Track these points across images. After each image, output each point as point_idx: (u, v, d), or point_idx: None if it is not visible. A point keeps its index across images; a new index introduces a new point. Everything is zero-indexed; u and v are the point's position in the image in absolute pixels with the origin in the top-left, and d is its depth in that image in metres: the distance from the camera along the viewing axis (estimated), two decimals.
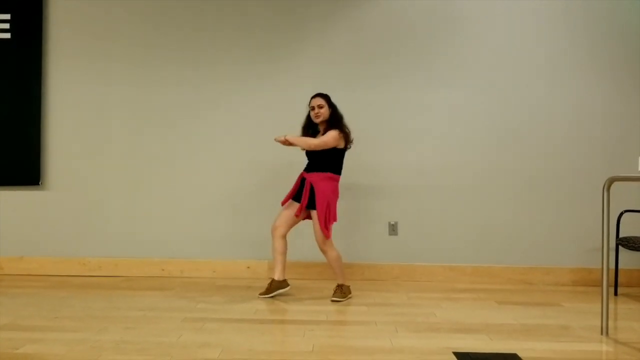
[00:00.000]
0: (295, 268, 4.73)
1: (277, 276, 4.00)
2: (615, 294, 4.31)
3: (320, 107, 3.96)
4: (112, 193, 4.89)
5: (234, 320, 3.36)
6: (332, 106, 4.00)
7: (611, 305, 3.91)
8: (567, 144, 4.71)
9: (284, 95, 4.80)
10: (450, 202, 4.75)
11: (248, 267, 4.79)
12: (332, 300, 3.91)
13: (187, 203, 4.85)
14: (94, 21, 4.90)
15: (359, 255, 4.73)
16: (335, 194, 3.96)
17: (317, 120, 3.98)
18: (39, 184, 4.88)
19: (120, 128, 4.89)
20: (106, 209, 4.89)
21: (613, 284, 4.35)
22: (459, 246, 4.74)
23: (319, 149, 3.87)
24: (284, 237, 4.02)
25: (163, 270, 4.83)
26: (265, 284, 4.31)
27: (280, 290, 4.00)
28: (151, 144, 4.88)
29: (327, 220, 3.88)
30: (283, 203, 4.06)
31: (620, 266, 4.45)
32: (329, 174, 3.93)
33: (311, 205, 3.91)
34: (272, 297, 3.97)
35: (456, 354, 2.73)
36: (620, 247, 4.32)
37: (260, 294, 4.00)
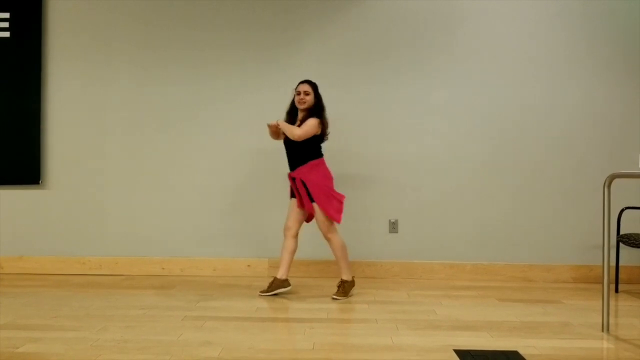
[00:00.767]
0: (296, 266, 4.72)
1: (280, 275, 4.00)
2: (616, 291, 4.31)
3: (306, 93, 3.97)
4: (112, 192, 4.88)
5: (235, 318, 3.35)
6: (317, 96, 4.02)
7: (612, 302, 3.91)
8: (567, 142, 4.71)
9: (283, 93, 4.76)
10: (450, 200, 4.75)
11: (248, 266, 4.78)
12: (333, 298, 3.90)
13: (187, 201, 4.85)
14: (93, 20, 4.89)
15: (359, 253, 4.72)
16: (327, 177, 3.98)
17: (301, 107, 3.99)
18: (38, 183, 4.88)
19: (119, 127, 4.89)
20: (106, 207, 4.88)
21: (614, 281, 4.35)
22: (460, 243, 4.74)
23: (301, 139, 3.85)
24: (296, 236, 4.05)
25: (163, 268, 4.83)
26: (265, 282, 4.30)
27: (281, 290, 4.00)
28: (151, 142, 4.88)
29: (332, 206, 3.91)
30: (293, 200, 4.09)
31: (621, 263, 4.45)
32: (313, 162, 3.94)
33: (310, 198, 3.93)
34: (272, 295, 3.96)
35: (457, 351, 2.73)
36: (620, 244, 4.31)
37: (261, 292, 3.99)
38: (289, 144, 3.98)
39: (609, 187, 3.10)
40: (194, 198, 4.85)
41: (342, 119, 4.71)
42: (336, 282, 4.12)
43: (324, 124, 3.96)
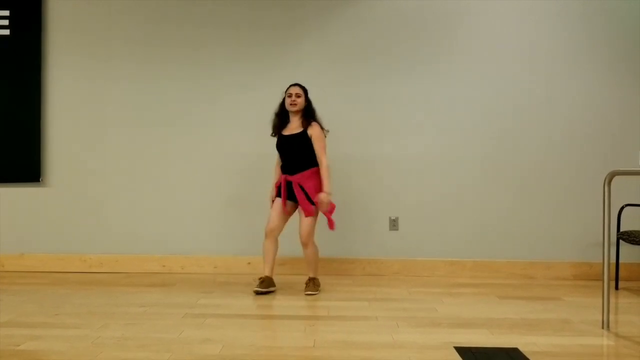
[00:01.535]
0: (296, 264, 4.74)
1: (271, 273, 4.03)
2: (616, 288, 4.31)
3: (297, 95, 4.00)
4: (112, 190, 4.89)
5: (235, 315, 3.36)
6: (307, 99, 4.06)
7: (612, 299, 3.91)
8: (568, 139, 4.71)
9: (283, 91, 4.77)
10: (451, 197, 4.75)
11: (249, 263, 4.79)
12: (308, 294, 3.93)
13: (187, 199, 4.85)
14: (92, 18, 4.89)
15: (360, 251, 4.73)
16: (321, 186, 3.98)
17: (292, 109, 4.00)
18: (39, 181, 4.88)
19: (120, 125, 4.89)
20: (107, 205, 4.89)
21: (614, 278, 4.35)
22: (460, 241, 4.74)
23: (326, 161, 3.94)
24: (277, 238, 4.06)
25: (164, 266, 4.83)
26: None
27: (272, 288, 4.01)
28: (151, 140, 4.88)
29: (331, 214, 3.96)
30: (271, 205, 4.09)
31: (621, 260, 4.45)
32: (313, 169, 3.97)
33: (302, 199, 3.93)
34: (267, 292, 3.96)
35: (457, 348, 2.74)
36: (621, 241, 4.31)
37: (257, 291, 3.96)
38: (289, 149, 3.97)
39: (609, 184, 3.10)
40: (195, 195, 4.85)
41: (342, 117, 4.72)
42: (335, 279, 4.13)
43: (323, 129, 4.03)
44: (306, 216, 3.93)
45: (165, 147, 4.87)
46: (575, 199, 4.69)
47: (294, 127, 4.03)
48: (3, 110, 4.87)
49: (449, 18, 4.76)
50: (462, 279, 4.60)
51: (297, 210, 4.05)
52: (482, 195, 4.74)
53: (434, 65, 4.77)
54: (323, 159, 3.93)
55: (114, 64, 4.89)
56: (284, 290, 4.11)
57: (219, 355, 2.62)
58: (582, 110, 4.70)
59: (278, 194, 4.05)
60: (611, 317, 3.40)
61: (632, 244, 4.04)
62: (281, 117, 4.08)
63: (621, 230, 4.39)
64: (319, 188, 3.93)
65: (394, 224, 4.76)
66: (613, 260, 4.40)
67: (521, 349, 2.74)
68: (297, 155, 3.95)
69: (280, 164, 4.12)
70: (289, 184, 3.97)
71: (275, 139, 4.12)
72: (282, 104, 4.08)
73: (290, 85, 4.07)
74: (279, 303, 3.72)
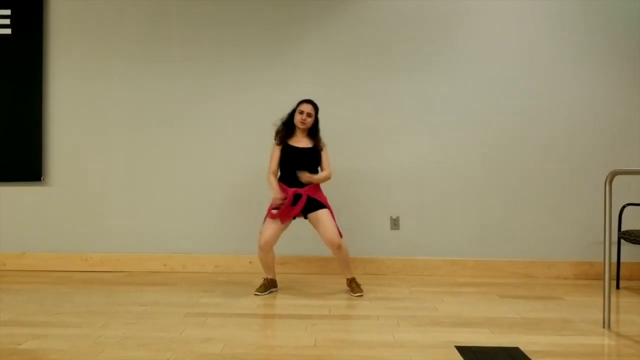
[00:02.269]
0: (296, 262, 4.74)
1: (273, 276, 4.05)
2: (617, 287, 4.31)
3: (309, 115, 3.97)
4: (113, 188, 4.89)
5: (236, 315, 3.36)
6: (317, 118, 4.04)
7: (613, 299, 3.91)
8: (568, 138, 4.70)
9: (284, 90, 4.78)
10: (452, 196, 4.75)
11: (250, 262, 4.79)
12: (357, 296, 3.90)
13: (188, 198, 4.86)
14: (94, 16, 4.89)
15: (361, 250, 4.73)
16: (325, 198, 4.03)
17: (302, 127, 3.97)
18: (40, 180, 4.89)
19: (121, 123, 4.89)
20: (108, 204, 4.89)
21: (615, 277, 4.35)
22: (461, 240, 4.74)
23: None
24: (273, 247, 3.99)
25: (165, 265, 4.84)
26: None
27: (274, 289, 4.04)
28: (152, 139, 4.88)
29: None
30: (272, 217, 3.89)
31: (622, 259, 4.45)
32: (318, 184, 4.00)
33: (314, 207, 3.89)
34: (267, 294, 3.96)
35: (458, 347, 2.74)
36: (622, 240, 4.31)
37: (257, 292, 3.95)
38: (299, 162, 3.91)
39: (610, 183, 3.10)
40: (196, 194, 4.85)
41: (343, 116, 4.72)
42: (336, 278, 4.13)
43: None
44: (329, 217, 3.86)
45: (166, 146, 4.87)
46: (576, 198, 4.69)
47: (301, 140, 3.99)
48: (4, 109, 4.88)
49: (449, 18, 4.76)
50: (463, 278, 4.60)
51: (323, 217, 3.89)
52: (483, 194, 4.74)
53: (435, 65, 4.77)
54: (329, 174, 4.01)
55: (115, 63, 4.89)
56: (285, 289, 4.12)
57: (220, 354, 2.63)
58: (582, 110, 4.70)
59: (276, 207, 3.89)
60: (612, 316, 3.40)
61: (633, 243, 4.04)
62: (287, 126, 4.01)
63: (622, 229, 4.39)
64: (326, 199, 3.96)
65: (395, 223, 4.76)
66: (614, 259, 4.40)
67: (522, 348, 2.74)
68: (306, 169, 3.92)
69: (277, 174, 4.00)
70: (297, 197, 3.87)
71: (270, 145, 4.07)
72: (291, 117, 4.01)
73: (304, 102, 4.01)
74: (280, 302, 3.72)
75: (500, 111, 4.74)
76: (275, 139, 4.03)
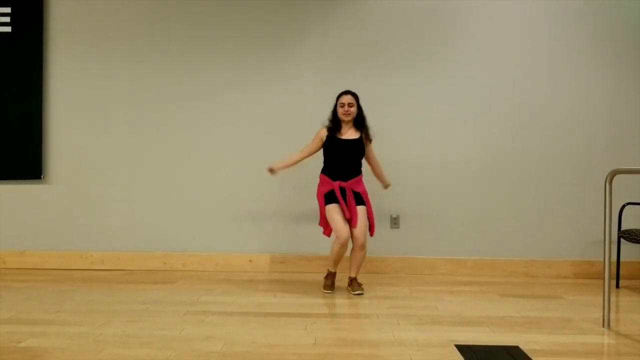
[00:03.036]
0: (296, 261, 4.74)
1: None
2: (617, 286, 4.31)
3: (350, 105, 3.95)
4: (114, 187, 4.89)
5: (237, 313, 3.36)
6: (359, 106, 4.02)
7: (613, 298, 3.91)
8: (568, 137, 4.70)
9: (284, 89, 4.78)
10: (452, 195, 4.75)
11: (250, 261, 4.79)
12: (358, 294, 3.91)
13: (189, 197, 4.86)
14: (94, 15, 4.89)
15: None
16: (366, 192, 4.05)
17: (347, 119, 3.96)
18: (41, 178, 4.89)
19: (121, 122, 4.89)
20: (108, 202, 4.89)
21: (615, 276, 4.35)
22: (461, 239, 4.74)
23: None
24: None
25: (165, 263, 4.84)
26: (268, 277, 4.31)
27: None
28: (152, 138, 4.88)
29: (373, 219, 4.00)
30: (324, 211, 3.94)
31: (621, 259, 4.45)
32: (361, 176, 4.03)
33: (356, 202, 3.93)
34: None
35: (458, 346, 2.74)
36: (621, 239, 4.31)
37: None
38: (345, 154, 3.93)
39: (610, 182, 3.10)
40: (196, 193, 4.85)
41: None
42: (337, 277, 4.13)
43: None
44: (364, 215, 3.90)
45: (166, 144, 4.87)
46: (576, 197, 4.69)
47: (347, 132, 3.99)
48: (4, 107, 4.88)
49: (449, 17, 4.76)
50: (463, 277, 4.61)
51: (361, 212, 3.93)
52: (483, 193, 4.74)
53: (435, 65, 4.76)
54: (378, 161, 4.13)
55: (115, 61, 4.89)
56: (285, 288, 4.12)
57: (220, 352, 2.63)
58: (582, 109, 4.70)
59: (329, 201, 3.91)
60: (612, 315, 3.40)
61: (633, 242, 4.04)
62: (334, 124, 3.99)
63: (622, 228, 4.39)
64: (366, 193, 3.99)
65: (395, 222, 4.76)
66: (614, 258, 4.40)
67: (522, 347, 2.74)
68: (352, 160, 3.94)
69: (304, 156, 4.02)
70: (342, 190, 3.90)
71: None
72: (335, 112, 4.00)
73: (343, 94, 3.99)
74: (280, 301, 3.72)
75: (500, 111, 4.74)
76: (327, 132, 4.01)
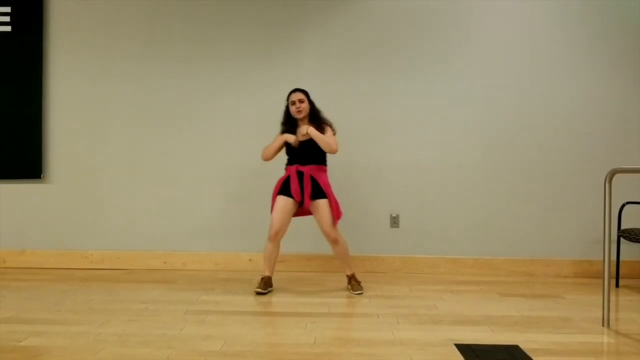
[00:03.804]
0: (297, 260, 4.74)
1: (272, 274, 3.99)
2: (617, 285, 4.32)
3: (301, 101, 3.93)
4: (114, 186, 4.89)
5: (236, 312, 3.37)
6: (311, 101, 4.00)
7: (612, 297, 3.92)
8: (569, 137, 4.71)
9: (285, 89, 4.77)
10: (451, 194, 4.75)
11: (250, 260, 4.79)
12: (357, 294, 3.88)
13: (189, 195, 4.86)
14: (94, 14, 4.89)
15: (361, 248, 4.73)
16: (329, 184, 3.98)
17: (299, 116, 3.94)
18: (41, 177, 4.89)
19: (121, 121, 4.89)
20: (108, 201, 4.89)
21: (614, 275, 4.36)
22: (461, 238, 4.74)
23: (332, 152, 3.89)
24: (280, 241, 3.97)
25: (165, 262, 4.84)
26: None
27: (270, 288, 3.97)
28: (152, 137, 4.88)
29: (338, 209, 3.89)
30: (274, 203, 3.91)
31: (621, 258, 4.46)
32: (324, 167, 3.96)
33: (316, 195, 3.87)
34: (266, 293, 3.92)
35: (458, 345, 2.74)
36: (621, 239, 4.32)
37: (259, 292, 3.92)
38: (302, 151, 3.90)
39: (610, 182, 3.10)
40: (196, 192, 4.86)
41: (343, 115, 4.71)
42: (336, 276, 4.13)
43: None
44: (327, 207, 3.84)
45: (166, 144, 4.88)
46: (575, 196, 4.69)
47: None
48: (4, 106, 4.88)
49: (450, 17, 4.76)
50: (463, 277, 4.61)
51: (321, 206, 3.88)
52: (483, 192, 4.74)
53: (435, 64, 4.77)
54: (335, 144, 3.87)
55: (115, 60, 4.89)
56: (284, 287, 4.12)
57: (220, 351, 2.63)
58: (582, 109, 4.70)
59: (281, 192, 3.92)
60: (612, 314, 3.40)
61: (633, 241, 4.04)
62: (289, 124, 3.99)
63: (622, 228, 4.39)
64: (328, 182, 3.93)
65: (394, 221, 4.77)
66: (614, 258, 4.41)
67: (522, 346, 2.74)
68: (310, 154, 3.90)
69: (275, 151, 3.98)
70: (300, 175, 3.87)
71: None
72: (287, 112, 4.00)
73: (292, 92, 3.98)
74: (280, 300, 3.72)
75: (500, 110, 4.74)
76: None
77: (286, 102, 4.02)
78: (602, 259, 4.45)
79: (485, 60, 4.74)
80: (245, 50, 4.84)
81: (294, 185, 3.87)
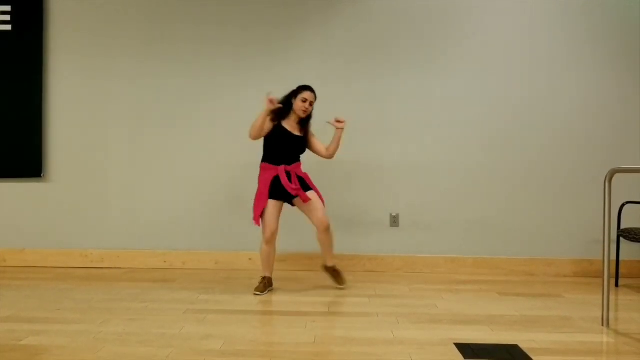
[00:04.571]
0: (297, 260, 4.75)
1: (271, 274, 3.99)
2: (616, 285, 4.32)
3: (311, 104, 3.93)
4: (113, 185, 4.89)
5: (236, 311, 3.37)
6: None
7: (612, 297, 3.92)
8: (568, 136, 4.71)
9: (285, 88, 4.76)
10: (451, 194, 4.75)
11: (250, 259, 4.80)
12: (342, 288, 3.92)
13: (188, 195, 4.86)
14: (94, 13, 4.89)
15: (361, 247, 4.73)
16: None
17: (303, 116, 3.92)
18: (41, 176, 4.89)
19: (121, 120, 4.89)
20: (108, 200, 4.89)
21: (614, 275, 4.36)
22: (461, 238, 4.74)
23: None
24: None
25: (165, 262, 4.84)
26: None
27: (270, 288, 3.98)
28: (152, 136, 4.88)
29: (322, 198, 3.97)
30: (261, 210, 3.84)
31: (621, 257, 4.46)
32: (300, 163, 4.01)
33: (305, 189, 3.90)
34: (267, 293, 3.92)
35: (457, 345, 2.74)
36: (621, 238, 4.32)
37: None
38: (288, 145, 3.90)
39: (609, 181, 3.10)
40: (196, 191, 4.86)
41: (343, 114, 4.69)
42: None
43: None
44: (318, 198, 3.89)
45: (166, 143, 4.88)
46: (575, 196, 4.69)
47: (294, 127, 3.95)
48: (5, 105, 4.88)
49: (450, 17, 4.76)
50: (463, 276, 4.61)
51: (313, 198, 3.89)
52: (483, 192, 4.74)
53: (435, 64, 4.77)
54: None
55: (116, 59, 4.89)
56: (284, 286, 4.12)
57: (219, 351, 2.63)
58: (582, 108, 4.70)
59: (272, 195, 3.84)
60: (611, 314, 3.41)
61: (633, 241, 4.04)
62: (283, 111, 3.92)
63: (621, 227, 4.39)
64: (309, 177, 3.98)
65: (394, 220, 4.77)
66: (613, 257, 4.41)
67: (521, 345, 2.75)
68: (293, 152, 3.93)
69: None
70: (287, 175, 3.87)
71: None
72: (289, 98, 3.93)
73: (307, 90, 3.91)
74: (280, 299, 3.72)
75: (500, 110, 4.74)
76: (269, 115, 3.83)
77: (294, 93, 3.93)
78: (601, 258, 4.46)
79: (485, 61, 4.74)
80: (246, 50, 4.84)
81: (293, 185, 3.86)
